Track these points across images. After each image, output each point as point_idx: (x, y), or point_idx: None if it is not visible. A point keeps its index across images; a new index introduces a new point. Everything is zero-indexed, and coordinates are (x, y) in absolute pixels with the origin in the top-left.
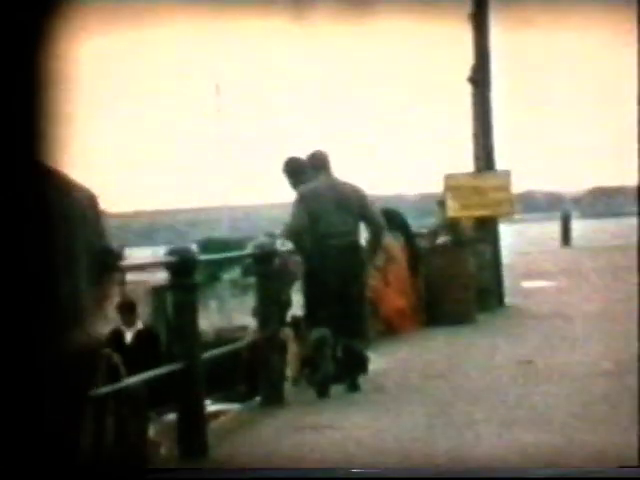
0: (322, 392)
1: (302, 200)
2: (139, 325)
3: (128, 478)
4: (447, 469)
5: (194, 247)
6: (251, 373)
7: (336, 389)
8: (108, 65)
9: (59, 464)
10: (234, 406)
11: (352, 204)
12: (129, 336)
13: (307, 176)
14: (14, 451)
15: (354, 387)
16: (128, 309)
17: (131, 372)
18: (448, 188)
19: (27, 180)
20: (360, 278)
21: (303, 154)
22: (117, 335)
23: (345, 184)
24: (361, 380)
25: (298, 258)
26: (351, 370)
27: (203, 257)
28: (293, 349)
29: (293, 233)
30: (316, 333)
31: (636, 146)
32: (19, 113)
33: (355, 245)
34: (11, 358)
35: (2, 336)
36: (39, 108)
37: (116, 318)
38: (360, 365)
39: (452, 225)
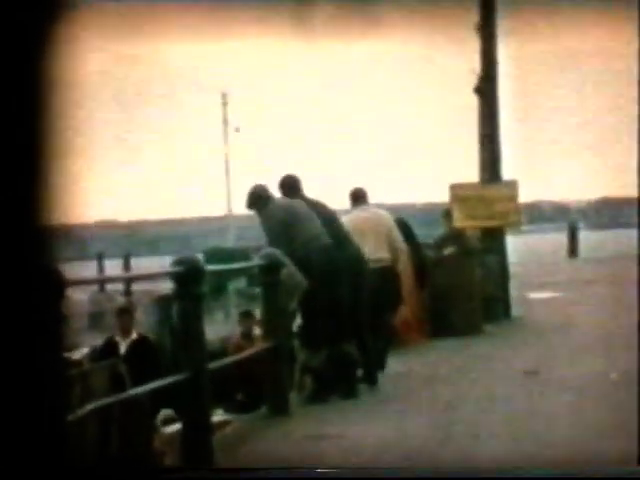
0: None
1: (273, 214)
2: (134, 334)
3: (136, 479)
4: (447, 469)
5: (200, 257)
6: (254, 383)
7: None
8: (112, 69)
9: (58, 469)
10: (239, 416)
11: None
12: (123, 346)
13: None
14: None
15: (352, 393)
16: (125, 315)
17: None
18: (454, 198)
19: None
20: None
21: (310, 163)
22: (111, 346)
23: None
24: (367, 391)
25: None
26: (345, 376)
27: (209, 267)
28: (301, 359)
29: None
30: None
31: None
32: (23, 117)
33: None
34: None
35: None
36: (42, 112)
37: (112, 325)
38: (353, 369)
39: (458, 235)
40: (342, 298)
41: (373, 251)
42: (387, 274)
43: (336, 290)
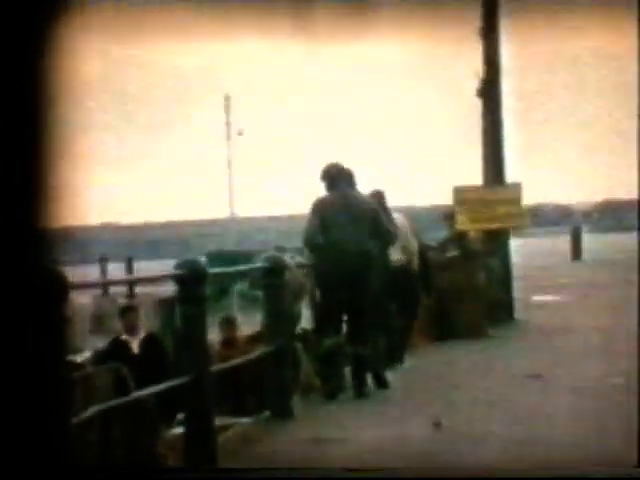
0: (331, 395)
1: (315, 210)
2: (142, 333)
3: (140, 478)
4: (447, 469)
5: (203, 260)
6: (257, 386)
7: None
8: (113, 71)
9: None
10: (243, 420)
11: (364, 216)
12: (135, 345)
13: (343, 184)
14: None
15: (362, 393)
16: (131, 313)
17: (139, 383)
18: (457, 201)
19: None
20: (369, 285)
21: (313, 166)
22: (120, 346)
23: (359, 196)
24: (370, 399)
25: (305, 271)
26: (357, 376)
27: (212, 270)
28: (304, 362)
29: (309, 240)
30: (329, 341)
31: None
32: (25, 119)
33: (366, 254)
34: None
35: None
36: (44, 115)
37: (119, 325)
38: (364, 369)
39: (461, 238)
40: (351, 300)
41: (390, 253)
42: (404, 275)
43: (345, 292)
